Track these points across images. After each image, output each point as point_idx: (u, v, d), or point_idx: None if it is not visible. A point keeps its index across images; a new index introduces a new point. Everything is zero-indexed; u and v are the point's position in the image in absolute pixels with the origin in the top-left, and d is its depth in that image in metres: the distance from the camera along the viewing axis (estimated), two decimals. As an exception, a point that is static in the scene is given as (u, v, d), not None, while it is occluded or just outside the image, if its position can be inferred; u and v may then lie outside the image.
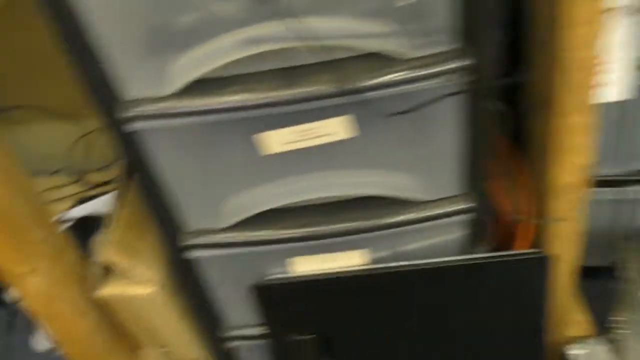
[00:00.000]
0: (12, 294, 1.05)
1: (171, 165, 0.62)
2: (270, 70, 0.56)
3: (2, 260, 0.65)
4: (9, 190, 0.63)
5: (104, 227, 0.74)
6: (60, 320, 0.73)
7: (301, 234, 0.69)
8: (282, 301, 0.75)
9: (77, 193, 1.12)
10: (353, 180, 0.66)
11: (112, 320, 0.80)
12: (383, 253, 0.73)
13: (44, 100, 1.08)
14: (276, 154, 0.61)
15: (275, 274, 0.73)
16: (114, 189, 1.10)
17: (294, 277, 0.73)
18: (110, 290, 0.73)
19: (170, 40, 0.53)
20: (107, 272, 0.74)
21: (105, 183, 1.13)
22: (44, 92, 1.08)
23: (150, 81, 0.55)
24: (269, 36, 0.52)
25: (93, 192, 1.13)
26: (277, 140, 0.59)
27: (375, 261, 0.73)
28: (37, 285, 0.68)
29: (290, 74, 0.56)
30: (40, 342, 0.98)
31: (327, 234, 0.69)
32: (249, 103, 0.55)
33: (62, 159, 1.17)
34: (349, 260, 0.73)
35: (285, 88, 0.55)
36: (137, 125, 0.56)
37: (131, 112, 0.55)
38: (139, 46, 0.53)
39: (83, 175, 1.17)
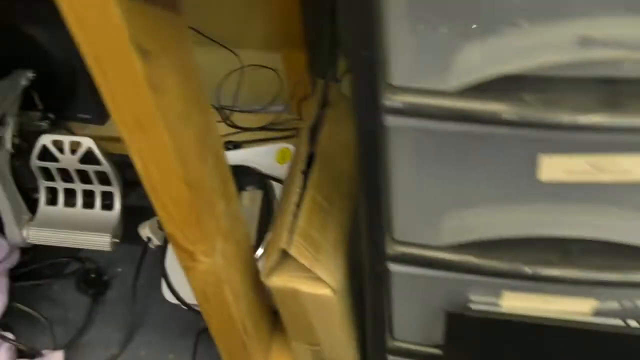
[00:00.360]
0: (144, 231, 0.99)
1: (407, 167, 0.49)
2: (586, 79, 0.42)
3: (181, 239, 0.55)
4: (201, 155, 0.53)
5: (286, 210, 0.63)
6: (219, 301, 0.64)
7: (525, 273, 0.55)
8: (473, 334, 0.63)
9: (223, 135, 1.03)
10: (616, 224, 0.52)
11: (267, 305, 0.71)
12: (613, 306, 0.59)
13: (205, 24, 0.98)
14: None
15: (476, 303, 0.61)
16: (265, 139, 1.01)
17: (497, 313, 0.61)
18: (281, 281, 0.63)
19: (473, 20, 0.39)
20: (280, 256, 0.64)
21: (256, 129, 1.03)
22: (206, 16, 0.98)
23: (432, 69, 0.41)
24: (618, 39, 0.38)
25: (239, 138, 1.04)
26: (560, 167, 0.45)
27: (600, 313, 0.60)
28: (207, 267, 0.59)
29: (614, 90, 0.41)
30: (168, 292, 0.91)
31: (556, 279, 0.56)
32: (550, 121, 0.41)
33: (211, 91, 1.08)
34: (567, 307, 0.60)
35: (604, 109, 0.41)
36: (395, 121, 0.43)
37: (396, 102, 0.42)
38: (428, 18, 0.40)
39: (229, 115, 1.08)
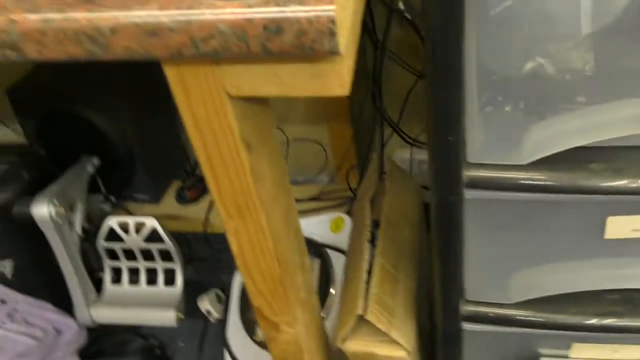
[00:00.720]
0: (203, 304, 1.03)
1: (480, 233, 0.54)
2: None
3: (267, 311, 0.59)
4: (287, 231, 0.58)
5: (357, 278, 0.67)
6: (298, 370, 0.67)
7: (593, 325, 0.59)
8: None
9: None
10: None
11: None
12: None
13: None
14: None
15: (546, 356, 0.64)
16: (313, 210, 1.05)
17: (567, 365, 0.64)
18: (358, 346, 0.66)
19: (539, 102, 0.45)
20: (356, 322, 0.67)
21: (306, 200, 1.07)
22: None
23: (504, 146, 0.46)
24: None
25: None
26: (625, 227, 0.50)
27: (666, 361, 0.62)
28: (290, 337, 0.63)
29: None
30: (232, 364, 0.94)
31: (623, 329, 0.59)
32: (615, 188, 0.46)
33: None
34: (636, 355, 0.62)
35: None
36: (473, 194, 0.48)
37: (473, 178, 0.47)
38: (498, 104, 0.45)
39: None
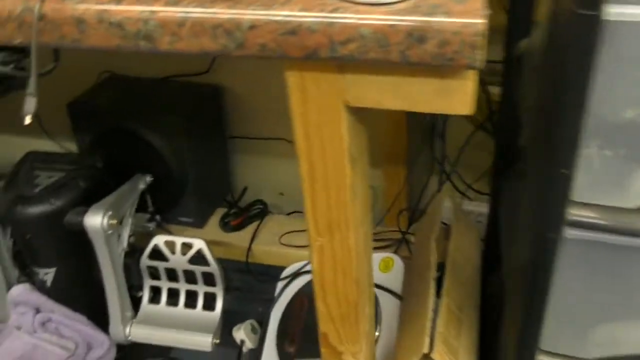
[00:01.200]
0: (238, 333, 1.01)
1: (570, 278, 0.52)
2: None
3: (334, 338, 0.58)
4: (365, 258, 0.57)
5: (421, 315, 0.66)
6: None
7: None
8: None
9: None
10: None
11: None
12: None
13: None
14: None
15: (614, 419, 0.61)
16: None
17: None
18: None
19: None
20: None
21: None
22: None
23: (612, 188, 0.46)
24: None
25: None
26: None
27: None
28: (353, 368, 0.61)
29: None
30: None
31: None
32: None
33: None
34: None
35: None
36: (574, 233, 0.47)
37: (577, 217, 0.46)
38: (610, 145, 0.45)
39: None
